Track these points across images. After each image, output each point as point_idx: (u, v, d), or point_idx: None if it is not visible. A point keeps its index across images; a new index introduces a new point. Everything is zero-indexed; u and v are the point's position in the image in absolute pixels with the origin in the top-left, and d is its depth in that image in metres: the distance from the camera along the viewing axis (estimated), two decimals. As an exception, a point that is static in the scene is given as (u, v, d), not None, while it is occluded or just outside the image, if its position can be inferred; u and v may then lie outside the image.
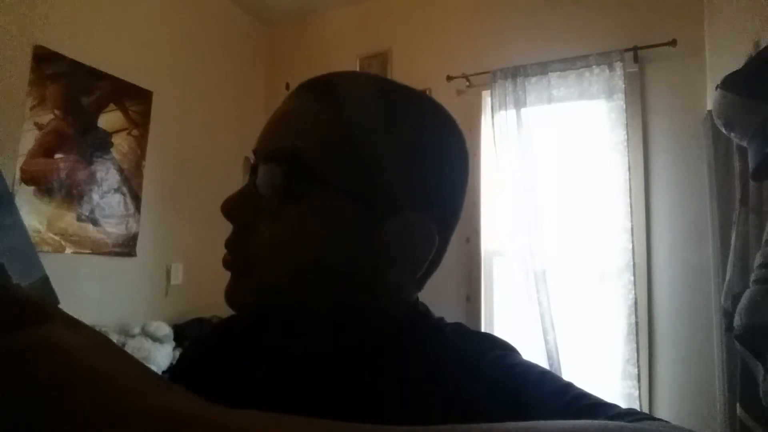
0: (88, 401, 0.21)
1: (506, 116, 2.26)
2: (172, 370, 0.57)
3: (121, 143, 2.26)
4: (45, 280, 0.36)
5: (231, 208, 0.41)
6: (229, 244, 0.42)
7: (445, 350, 0.43)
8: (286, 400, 0.42)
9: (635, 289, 1.97)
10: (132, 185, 2.30)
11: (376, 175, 0.40)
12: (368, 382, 0.41)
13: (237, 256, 0.41)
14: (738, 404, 1.20)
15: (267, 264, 0.40)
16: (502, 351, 0.42)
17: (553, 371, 0.40)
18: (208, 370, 0.50)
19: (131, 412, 0.22)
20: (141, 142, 2.35)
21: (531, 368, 0.40)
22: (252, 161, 0.43)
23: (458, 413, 0.36)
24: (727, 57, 1.69)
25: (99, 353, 0.24)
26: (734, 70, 1.19)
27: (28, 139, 1.89)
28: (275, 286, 0.40)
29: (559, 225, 2.16)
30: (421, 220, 0.41)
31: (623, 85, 2.06)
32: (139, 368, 0.25)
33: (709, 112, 1.72)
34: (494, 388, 0.38)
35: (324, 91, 0.42)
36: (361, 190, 0.40)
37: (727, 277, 1.39)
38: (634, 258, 1.97)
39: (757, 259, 1.09)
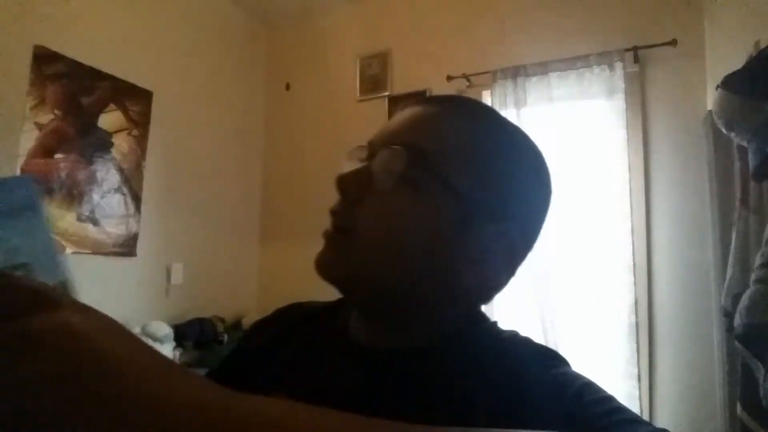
0: (102, 389, 0.21)
1: (506, 116, 2.25)
2: (232, 351, 0.59)
3: (121, 143, 2.26)
4: (68, 282, 0.36)
5: (346, 181, 0.45)
6: (336, 214, 0.45)
7: (496, 356, 0.44)
8: (334, 390, 0.43)
9: (635, 289, 1.96)
10: (132, 185, 2.30)
11: (481, 183, 0.44)
12: (417, 383, 0.43)
13: (342, 227, 0.44)
14: (738, 404, 1.20)
15: (370, 237, 0.43)
16: (551, 361, 0.44)
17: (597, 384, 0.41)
18: (266, 356, 0.53)
19: (144, 399, 0.22)
20: (141, 142, 2.35)
21: (573, 378, 0.41)
22: (366, 151, 0.47)
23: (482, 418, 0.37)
24: (727, 57, 1.69)
25: (112, 339, 0.24)
26: (734, 70, 1.19)
27: (28, 139, 1.89)
28: (373, 260, 0.43)
29: (560, 225, 2.16)
30: (509, 232, 0.45)
31: (623, 85, 2.06)
32: (153, 354, 0.25)
33: (710, 112, 1.72)
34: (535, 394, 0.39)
35: (450, 106, 0.48)
36: (467, 192, 0.43)
37: (727, 277, 1.39)
38: (634, 258, 1.97)
39: (757, 259, 1.09)
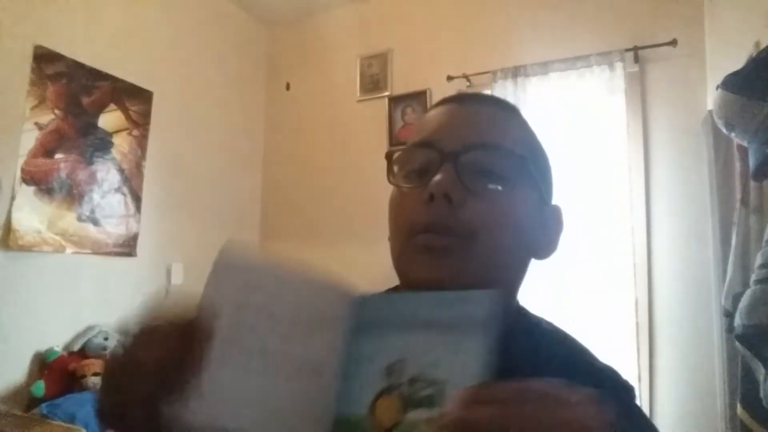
0: None
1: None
2: None
3: (122, 143, 2.26)
4: None
5: (448, 187, 0.44)
6: (441, 224, 0.44)
7: (539, 346, 0.48)
8: None
9: (635, 289, 1.97)
10: (132, 185, 2.30)
11: (542, 172, 0.52)
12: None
13: (453, 234, 0.44)
14: (738, 404, 1.20)
15: (491, 239, 0.45)
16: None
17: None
18: None
19: None
20: (141, 142, 2.35)
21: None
22: (436, 153, 0.47)
23: None
24: (727, 57, 1.69)
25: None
26: (734, 70, 1.19)
27: (29, 139, 1.89)
28: (495, 260, 0.45)
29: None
30: (558, 208, 0.53)
31: (623, 85, 2.06)
32: None
33: (710, 112, 1.72)
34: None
35: (501, 105, 0.53)
36: (540, 181, 0.50)
37: (728, 277, 1.39)
38: (634, 258, 1.97)
39: (758, 259, 1.08)
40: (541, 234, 0.51)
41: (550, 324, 0.54)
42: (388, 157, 0.50)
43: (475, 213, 0.44)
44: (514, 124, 0.51)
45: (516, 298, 0.53)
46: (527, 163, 0.48)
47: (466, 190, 0.44)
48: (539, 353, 0.46)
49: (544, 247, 0.52)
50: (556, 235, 0.53)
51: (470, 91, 0.50)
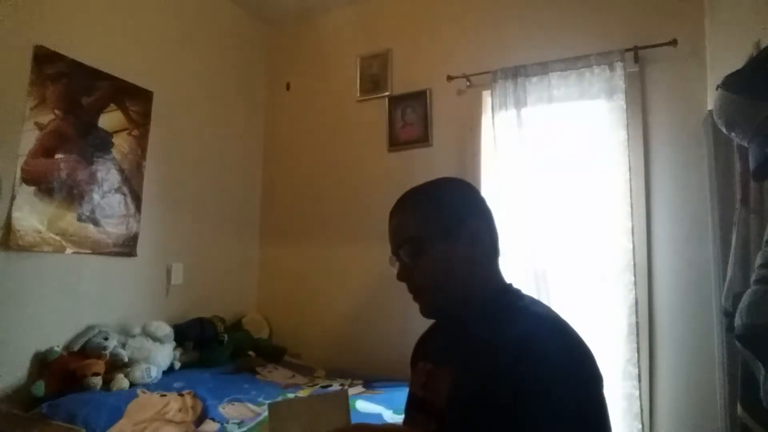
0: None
1: (506, 116, 2.26)
2: (421, 336, 1.03)
3: (122, 143, 2.26)
4: None
5: (400, 274, 0.84)
6: (409, 289, 0.84)
7: (505, 324, 0.74)
8: (444, 339, 0.86)
9: (635, 289, 1.97)
10: (132, 185, 2.30)
11: (445, 219, 0.81)
12: (473, 332, 0.79)
13: (416, 291, 0.83)
14: (738, 404, 1.20)
15: (429, 288, 0.81)
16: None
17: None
18: (428, 335, 0.98)
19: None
20: (141, 142, 2.35)
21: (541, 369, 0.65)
22: (394, 256, 0.85)
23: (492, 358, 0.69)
24: (727, 57, 1.69)
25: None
26: (734, 70, 1.19)
27: (29, 139, 1.89)
28: (439, 297, 0.81)
29: (560, 225, 2.16)
30: (476, 222, 0.82)
31: (623, 85, 2.06)
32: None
33: (710, 112, 1.72)
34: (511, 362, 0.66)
35: (406, 201, 0.86)
36: (442, 230, 0.80)
37: (728, 277, 1.39)
38: (634, 258, 1.97)
39: (758, 259, 1.08)
40: (466, 251, 0.80)
41: (530, 306, 0.78)
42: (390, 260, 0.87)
43: (416, 280, 0.82)
44: (415, 210, 0.83)
45: (487, 287, 0.82)
46: (427, 235, 0.80)
47: (408, 269, 0.82)
48: (504, 330, 0.73)
49: (475, 252, 0.80)
50: (484, 236, 0.82)
51: (404, 193, 0.92)
